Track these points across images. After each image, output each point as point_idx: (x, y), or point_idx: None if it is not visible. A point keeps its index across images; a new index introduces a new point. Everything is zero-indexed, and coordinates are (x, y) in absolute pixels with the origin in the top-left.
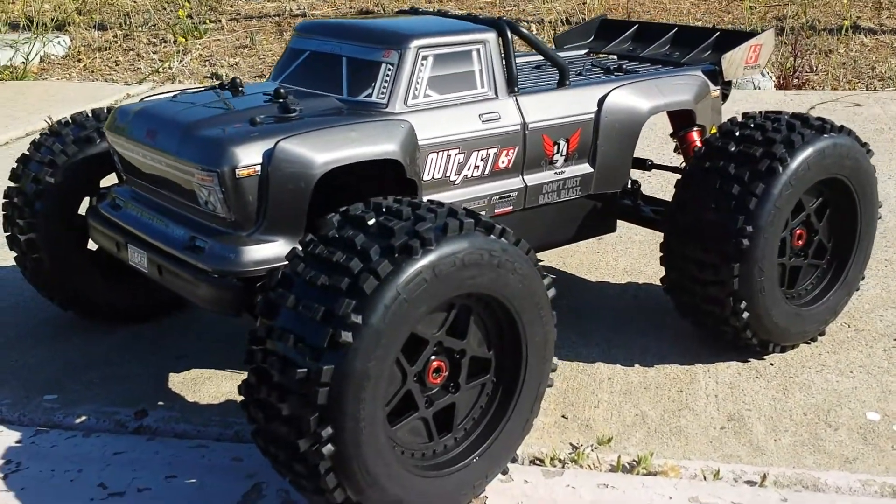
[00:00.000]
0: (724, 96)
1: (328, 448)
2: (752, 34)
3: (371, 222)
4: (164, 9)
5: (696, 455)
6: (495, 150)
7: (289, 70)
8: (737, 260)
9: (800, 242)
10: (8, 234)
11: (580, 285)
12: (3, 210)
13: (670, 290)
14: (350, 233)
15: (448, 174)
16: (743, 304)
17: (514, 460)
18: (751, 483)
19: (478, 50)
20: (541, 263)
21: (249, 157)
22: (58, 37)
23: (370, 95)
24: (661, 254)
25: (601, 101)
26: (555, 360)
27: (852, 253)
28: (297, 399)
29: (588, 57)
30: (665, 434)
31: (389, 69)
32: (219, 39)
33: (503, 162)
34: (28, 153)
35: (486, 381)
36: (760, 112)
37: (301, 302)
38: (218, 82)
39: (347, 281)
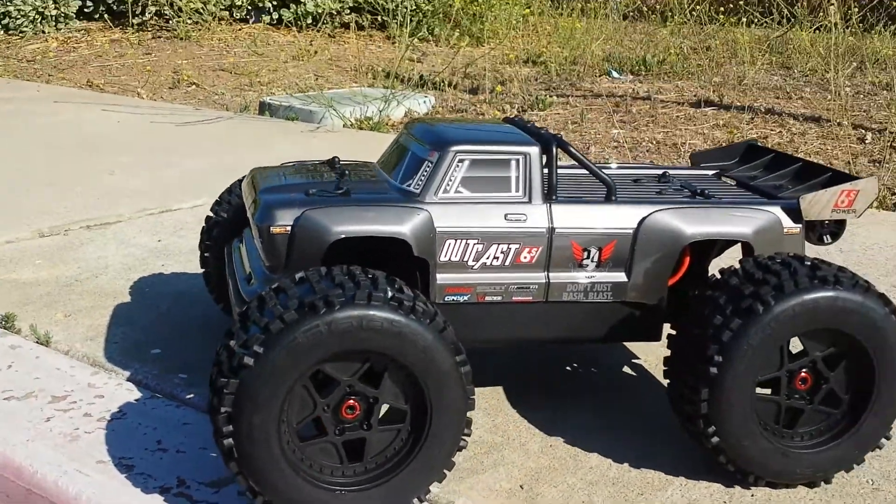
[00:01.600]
0: (833, 235)
1: (228, 441)
2: (854, 178)
3: (314, 282)
4: (536, 80)
5: None
6: (517, 245)
7: (385, 156)
8: (706, 385)
9: (802, 386)
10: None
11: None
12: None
13: (669, 395)
14: (294, 287)
15: (465, 259)
16: (712, 429)
17: (422, 500)
18: None
19: (517, 160)
20: None
21: (284, 219)
22: (426, 96)
23: (410, 185)
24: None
25: (641, 220)
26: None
27: (867, 409)
28: (217, 399)
29: (707, 179)
30: None
31: (429, 166)
32: (559, 113)
33: (525, 257)
34: (224, 192)
35: (402, 429)
36: (787, 254)
37: (242, 328)
38: (327, 159)
39: (266, 320)
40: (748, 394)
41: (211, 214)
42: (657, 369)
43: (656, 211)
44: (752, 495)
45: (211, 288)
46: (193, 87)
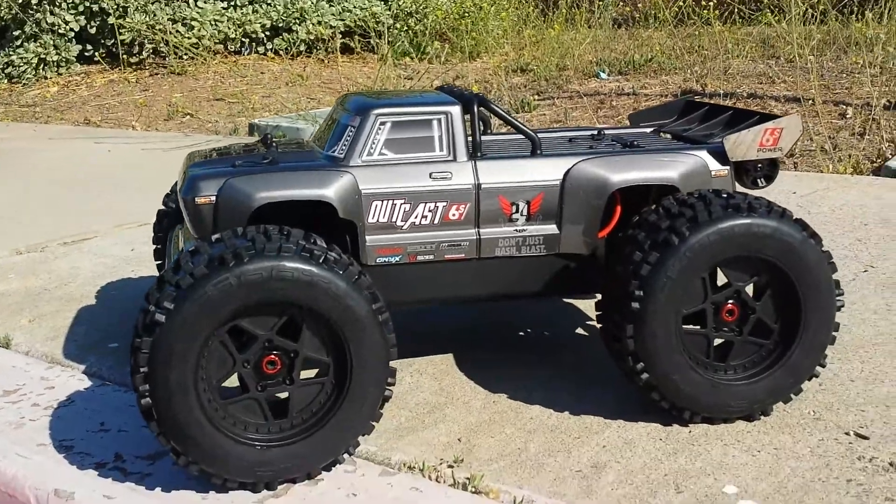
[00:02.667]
0: (768, 178)
1: (146, 401)
2: (773, 117)
3: (226, 239)
4: (525, 87)
5: (529, 486)
6: (444, 203)
7: (319, 131)
8: (630, 321)
9: (730, 318)
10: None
11: None
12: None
13: (602, 337)
14: (208, 247)
15: (394, 220)
16: (640, 365)
17: (350, 454)
18: None
19: (439, 119)
20: None
21: (208, 189)
22: None
23: (334, 151)
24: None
25: (567, 171)
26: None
27: (797, 337)
28: (134, 360)
29: (645, 135)
30: (525, 467)
31: (352, 131)
32: (544, 113)
33: (454, 215)
34: (174, 184)
35: (326, 382)
36: (706, 190)
37: (157, 289)
38: (262, 137)
39: (178, 277)
40: (672, 327)
41: (161, 207)
42: None
43: (581, 161)
44: (690, 431)
45: None
46: (188, 117)
